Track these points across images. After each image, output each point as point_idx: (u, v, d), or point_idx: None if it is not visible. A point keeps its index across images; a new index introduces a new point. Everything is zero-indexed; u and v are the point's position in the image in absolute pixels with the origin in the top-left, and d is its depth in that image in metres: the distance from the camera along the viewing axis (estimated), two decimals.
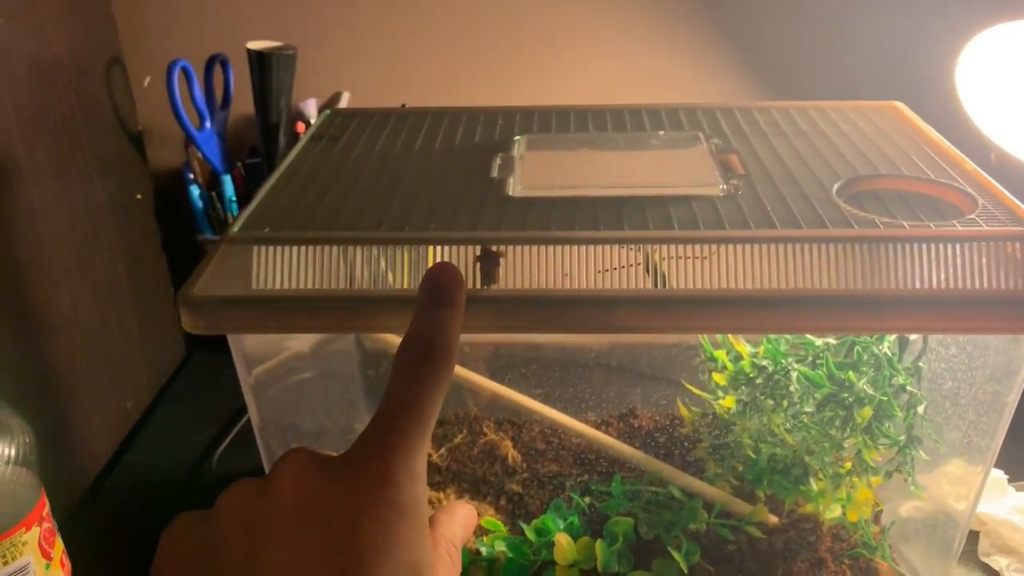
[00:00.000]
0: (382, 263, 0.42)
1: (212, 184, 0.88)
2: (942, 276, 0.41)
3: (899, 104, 0.60)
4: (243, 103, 0.86)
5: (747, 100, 0.68)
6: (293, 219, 0.45)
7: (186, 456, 0.79)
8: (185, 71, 0.83)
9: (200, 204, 0.88)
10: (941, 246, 0.41)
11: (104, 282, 0.80)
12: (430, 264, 0.42)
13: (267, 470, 0.55)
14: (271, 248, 0.42)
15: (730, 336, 0.60)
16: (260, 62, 0.81)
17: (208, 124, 0.86)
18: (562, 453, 0.70)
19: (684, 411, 0.64)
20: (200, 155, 0.87)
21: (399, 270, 0.42)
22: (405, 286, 0.41)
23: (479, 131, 0.57)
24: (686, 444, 0.66)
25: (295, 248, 0.42)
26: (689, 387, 0.63)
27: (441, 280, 0.36)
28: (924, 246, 0.41)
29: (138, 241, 0.88)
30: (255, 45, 0.81)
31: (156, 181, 0.92)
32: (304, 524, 0.29)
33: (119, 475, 0.78)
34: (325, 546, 0.29)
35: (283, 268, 0.42)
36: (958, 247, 0.41)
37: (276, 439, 0.56)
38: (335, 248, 0.42)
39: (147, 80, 0.89)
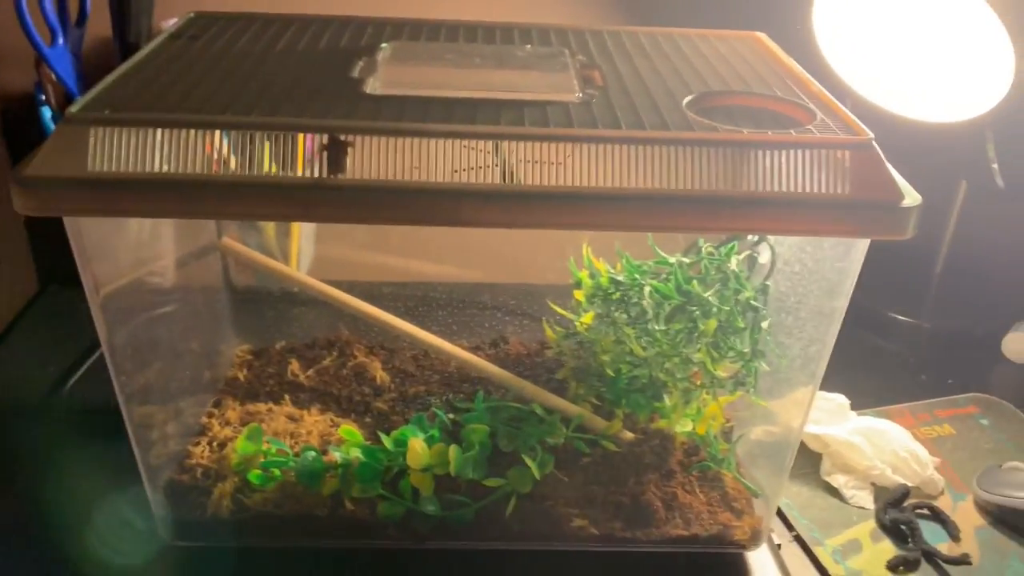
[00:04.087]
0: (223, 147, 0.41)
1: (66, 107, 0.83)
2: (776, 180, 0.43)
3: (761, 35, 0.63)
4: (101, 25, 0.82)
5: (618, 25, 0.69)
6: (136, 104, 0.43)
7: (35, 387, 0.76)
8: None
9: (52, 127, 0.83)
10: (775, 152, 0.43)
11: None
12: (276, 149, 0.41)
13: (120, 395, 0.53)
14: (109, 130, 0.41)
15: (592, 257, 0.62)
16: None
17: (61, 40, 0.81)
18: (431, 376, 0.70)
19: (549, 332, 0.65)
20: (53, 76, 0.82)
21: (241, 155, 0.41)
22: (245, 172, 0.40)
23: (346, 38, 0.57)
24: (552, 367, 0.68)
25: (133, 130, 0.41)
26: (553, 307, 0.65)
27: None
28: (760, 152, 0.43)
29: None
30: None
31: (6, 102, 0.86)
32: None
33: None
34: None
35: (120, 151, 0.40)
36: (791, 153, 0.43)
37: (130, 360, 0.54)
38: (173, 131, 0.40)
39: None
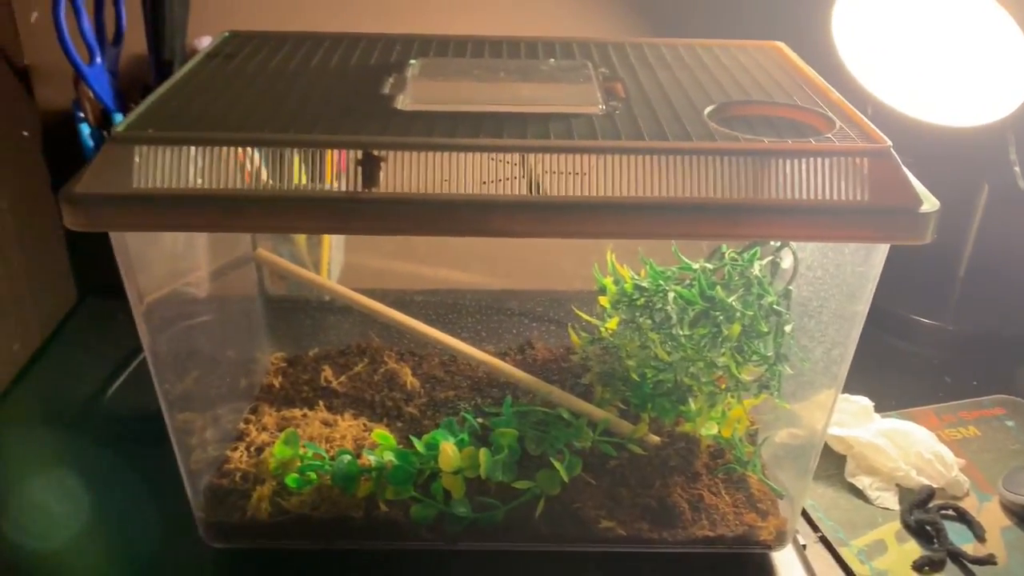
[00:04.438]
0: (262, 164, 0.42)
1: (104, 123, 0.86)
2: (797, 188, 0.44)
3: (780, 44, 0.64)
4: (137, 43, 0.84)
5: (639, 37, 0.70)
6: (178, 122, 0.45)
7: (77, 395, 0.78)
8: (73, 3, 0.80)
9: (91, 143, 0.86)
10: (796, 160, 0.44)
11: None
12: (312, 165, 0.43)
13: (163, 402, 0.55)
14: (153, 148, 0.43)
15: (616, 264, 0.63)
16: None
17: (99, 59, 0.83)
18: (460, 381, 0.72)
19: (574, 337, 0.67)
20: (91, 93, 0.84)
21: (279, 171, 0.42)
22: (283, 187, 0.42)
23: (376, 55, 0.58)
24: (578, 372, 0.69)
25: (175, 148, 0.42)
26: (579, 313, 0.66)
27: None
28: (780, 160, 0.44)
29: (25, 180, 0.85)
30: None
31: (46, 119, 0.89)
32: None
33: (6, 414, 0.76)
34: None
35: (164, 167, 0.42)
36: (811, 161, 0.44)
37: (171, 368, 0.56)
38: (216, 149, 0.42)
39: (34, 15, 0.86)
